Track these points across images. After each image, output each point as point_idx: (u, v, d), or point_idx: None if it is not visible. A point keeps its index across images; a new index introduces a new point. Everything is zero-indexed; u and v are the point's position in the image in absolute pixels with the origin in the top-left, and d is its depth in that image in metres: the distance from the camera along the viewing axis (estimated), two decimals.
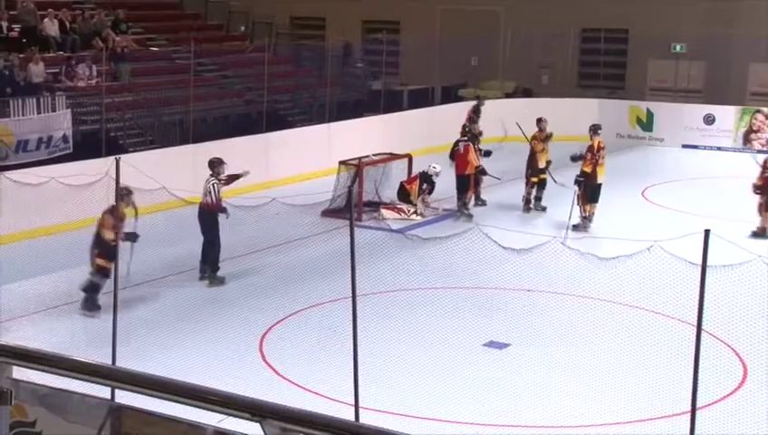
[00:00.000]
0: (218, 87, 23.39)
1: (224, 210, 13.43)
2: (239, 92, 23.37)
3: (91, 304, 12.03)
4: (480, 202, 18.43)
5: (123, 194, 12.12)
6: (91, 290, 12.03)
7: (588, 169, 16.49)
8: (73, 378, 3.74)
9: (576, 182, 16.52)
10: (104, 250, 11.90)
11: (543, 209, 17.70)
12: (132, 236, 12.33)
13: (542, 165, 17.72)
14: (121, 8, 23.51)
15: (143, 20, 24.82)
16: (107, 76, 20.29)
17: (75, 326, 11.70)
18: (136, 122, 20.21)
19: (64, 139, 17.85)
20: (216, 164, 13.68)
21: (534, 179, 17.83)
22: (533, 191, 17.92)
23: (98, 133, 18.85)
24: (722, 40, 25.63)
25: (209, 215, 13.44)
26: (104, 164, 12.27)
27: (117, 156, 10.68)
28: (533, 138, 17.88)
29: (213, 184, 13.47)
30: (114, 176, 9.60)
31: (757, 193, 16.19)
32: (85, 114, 19.29)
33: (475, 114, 22.59)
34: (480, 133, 22.64)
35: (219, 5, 28.23)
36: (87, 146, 17.97)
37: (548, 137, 17.79)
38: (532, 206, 17.88)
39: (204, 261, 13.62)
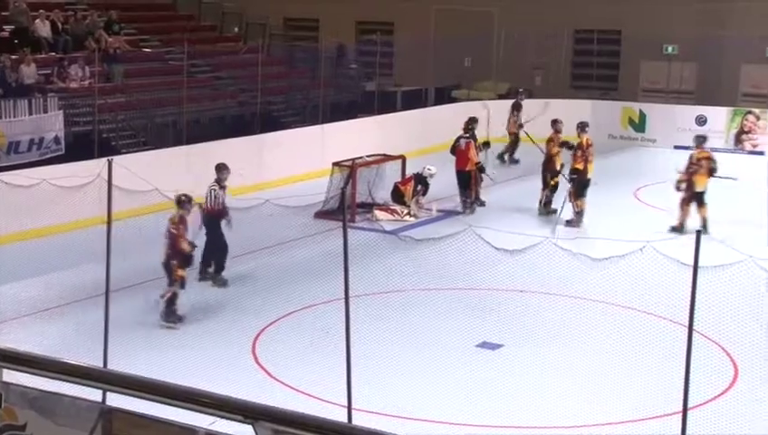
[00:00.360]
0: (212, 88, 23.35)
1: (223, 216, 13.45)
2: (232, 94, 23.34)
3: (173, 315, 12.05)
4: (479, 202, 18.37)
5: (184, 201, 12.14)
6: (173, 302, 12.05)
7: (579, 166, 16.73)
8: (64, 381, 3.73)
9: (570, 180, 16.70)
10: (182, 261, 12.04)
11: (554, 211, 17.49)
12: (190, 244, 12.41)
13: (558, 167, 17.52)
14: (114, 9, 23.47)
15: (136, 21, 24.77)
16: (99, 77, 20.24)
17: (66, 329, 11.67)
18: (129, 124, 20.15)
19: (56, 140, 17.81)
20: (219, 169, 13.73)
21: (552, 182, 17.62)
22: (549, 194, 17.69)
23: (90, 135, 18.81)
24: (714, 41, 25.66)
25: (209, 219, 13.49)
26: (96, 166, 12.23)
27: (109, 157, 10.66)
28: (549, 140, 17.66)
29: (212, 190, 13.52)
30: (106, 178, 9.58)
31: (680, 189, 16.28)
32: (77, 115, 19.23)
33: (516, 109, 22.58)
34: (521, 126, 22.57)
35: (213, 6, 28.19)
36: (79, 147, 17.92)
37: (566, 144, 17.42)
38: (551, 208, 17.57)
39: (204, 262, 13.62)
